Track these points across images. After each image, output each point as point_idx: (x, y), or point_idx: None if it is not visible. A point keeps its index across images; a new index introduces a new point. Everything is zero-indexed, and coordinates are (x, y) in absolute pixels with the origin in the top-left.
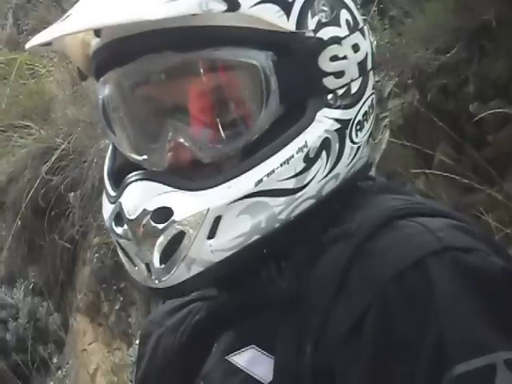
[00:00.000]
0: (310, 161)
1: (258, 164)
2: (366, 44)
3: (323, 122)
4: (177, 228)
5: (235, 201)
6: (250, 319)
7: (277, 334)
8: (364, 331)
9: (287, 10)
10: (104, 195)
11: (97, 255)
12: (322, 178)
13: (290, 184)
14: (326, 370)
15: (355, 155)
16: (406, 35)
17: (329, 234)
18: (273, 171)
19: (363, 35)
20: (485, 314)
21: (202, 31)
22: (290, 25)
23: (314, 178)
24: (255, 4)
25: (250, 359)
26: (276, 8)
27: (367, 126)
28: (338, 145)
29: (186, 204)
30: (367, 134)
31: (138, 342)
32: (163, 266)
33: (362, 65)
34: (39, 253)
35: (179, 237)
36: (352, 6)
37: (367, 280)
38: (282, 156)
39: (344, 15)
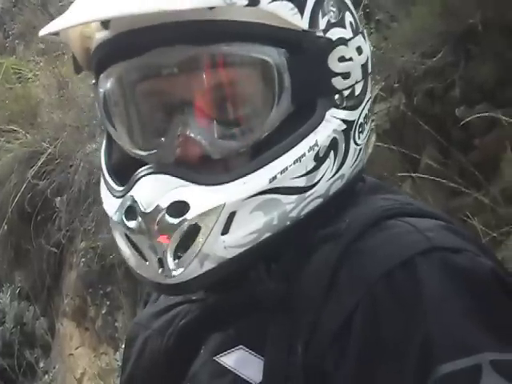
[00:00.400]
0: (319, 160)
1: (272, 161)
2: (367, 47)
3: (332, 122)
4: (192, 223)
5: (250, 197)
6: (238, 320)
7: (266, 334)
8: (352, 330)
9: (301, 8)
10: (105, 190)
11: (83, 260)
12: (330, 178)
13: (302, 182)
14: (317, 369)
15: (357, 157)
16: (392, 39)
17: (318, 235)
18: (286, 168)
19: (364, 38)
20: (473, 314)
21: (216, 25)
22: (303, 23)
23: (322, 177)
24: (273, 0)
25: (239, 360)
26: (291, 5)
27: (367, 128)
28: (344, 145)
29: (202, 198)
30: (367, 137)
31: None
32: (177, 261)
33: (364, 67)
34: (25, 257)
35: (194, 232)
36: (353, 9)
37: (356, 279)
38: (294, 154)
39: (348, 17)
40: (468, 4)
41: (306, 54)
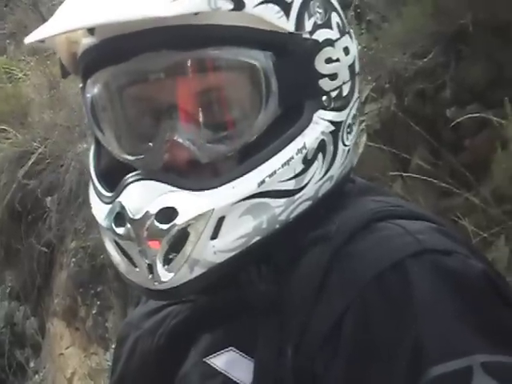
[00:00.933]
0: (307, 162)
1: (260, 165)
2: (354, 47)
3: (319, 124)
4: (181, 228)
5: (239, 201)
6: (229, 322)
7: (257, 336)
8: (342, 332)
9: (287, 11)
10: (93, 196)
11: (74, 259)
12: (319, 180)
13: (290, 185)
14: (307, 371)
15: (346, 158)
16: (383, 40)
17: (308, 237)
18: (274, 172)
19: (351, 38)
20: (464, 316)
21: (202, 30)
22: (289, 25)
23: (311, 179)
24: (258, 4)
25: (229, 361)
26: (277, 8)
27: (355, 128)
28: (332, 147)
29: (190, 204)
30: (355, 138)
31: (114, 346)
32: (166, 266)
33: (352, 68)
34: (16, 257)
35: (183, 237)
36: (339, 9)
37: (346, 281)
38: (282, 157)
39: (335, 18)
40: (459, 5)
41: (293, 56)
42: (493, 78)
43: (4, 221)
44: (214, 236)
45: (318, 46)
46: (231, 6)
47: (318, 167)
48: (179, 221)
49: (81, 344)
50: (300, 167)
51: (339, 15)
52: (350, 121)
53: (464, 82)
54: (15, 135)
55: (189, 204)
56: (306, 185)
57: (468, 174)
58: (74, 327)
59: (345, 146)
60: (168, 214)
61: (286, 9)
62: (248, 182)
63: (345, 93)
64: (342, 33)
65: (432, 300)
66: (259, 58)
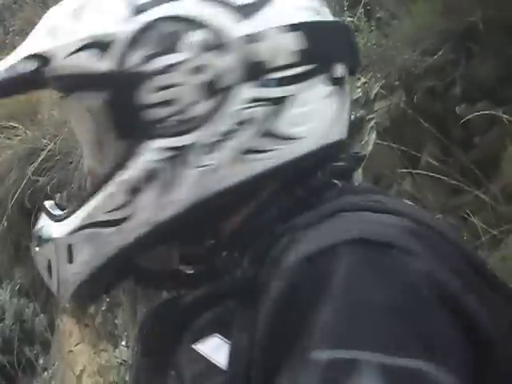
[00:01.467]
0: (133, 192)
1: (90, 199)
2: (226, 61)
3: (146, 154)
4: (44, 254)
5: (74, 231)
6: (214, 308)
7: (233, 322)
8: (260, 317)
9: (104, 52)
10: None
11: None
12: (154, 206)
13: (116, 215)
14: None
15: (209, 177)
16: (392, 37)
17: (280, 228)
18: (98, 206)
19: (225, 52)
20: (376, 312)
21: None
22: (106, 65)
23: (140, 207)
24: (69, 54)
25: (213, 347)
26: (92, 53)
27: (230, 144)
28: (170, 172)
29: (52, 231)
30: (230, 154)
31: (123, 343)
32: (51, 281)
33: (210, 85)
34: (25, 254)
35: (50, 260)
36: (218, 23)
37: (282, 267)
38: (105, 191)
39: (191, 37)
40: (468, 2)
41: (110, 94)
42: (503, 76)
43: (13, 217)
44: (70, 260)
45: (143, 78)
46: (36, 65)
47: (148, 195)
48: (43, 246)
49: (90, 341)
50: (123, 199)
51: (209, 31)
52: (208, 140)
53: (474, 79)
54: (25, 132)
55: (51, 231)
56: (136, 213)
57: (478, 172)
58: (83, 324)
59: (200, 167)
60: (40, 239)
61: (104, 50)
62: (79, 214)
63: (194, 114)
64: (203, 50)
65: (346, 289)
66: (89, 101)
